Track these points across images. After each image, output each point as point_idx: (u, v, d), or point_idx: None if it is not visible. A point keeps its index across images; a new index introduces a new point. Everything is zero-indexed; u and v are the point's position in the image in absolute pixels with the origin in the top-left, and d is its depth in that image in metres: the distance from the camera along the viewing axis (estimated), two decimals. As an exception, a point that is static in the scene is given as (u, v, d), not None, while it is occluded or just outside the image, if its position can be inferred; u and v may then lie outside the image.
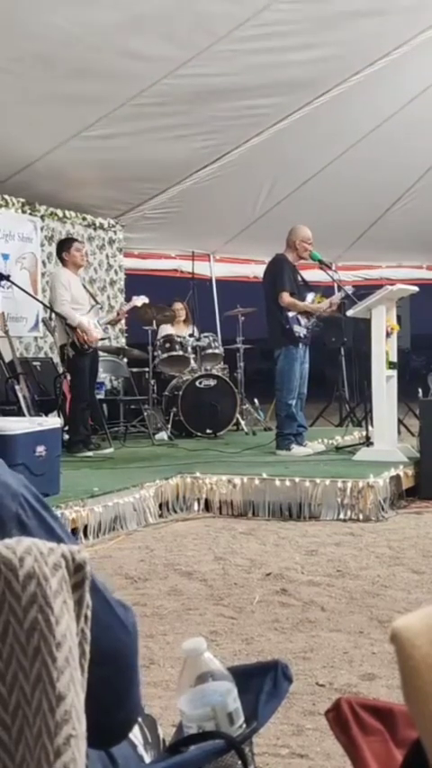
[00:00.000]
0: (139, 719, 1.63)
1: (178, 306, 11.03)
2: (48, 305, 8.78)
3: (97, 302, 9.00)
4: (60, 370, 8.84)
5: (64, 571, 1.14)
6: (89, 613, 1.19)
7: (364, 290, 8.88)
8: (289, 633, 3.84)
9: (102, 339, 9.09)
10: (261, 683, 1.59)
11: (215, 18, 7.70)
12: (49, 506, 1.36)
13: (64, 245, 8.85)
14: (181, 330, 10.80)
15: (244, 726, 1.46)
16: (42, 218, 10.35)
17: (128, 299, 11.62)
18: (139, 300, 9.34)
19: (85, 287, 8.92)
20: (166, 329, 10.68)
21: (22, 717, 1.12)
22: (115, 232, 11.60)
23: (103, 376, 10.07)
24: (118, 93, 8.48)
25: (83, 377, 8.46)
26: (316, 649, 3.62)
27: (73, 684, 1.14)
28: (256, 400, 11.25)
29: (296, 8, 7.79)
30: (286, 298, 8.06)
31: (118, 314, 9.40)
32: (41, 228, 10.32)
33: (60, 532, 1.33)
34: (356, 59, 9.13)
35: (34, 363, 9.40)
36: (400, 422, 8.82)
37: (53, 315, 8.64)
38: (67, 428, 8.24)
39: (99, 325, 8.60)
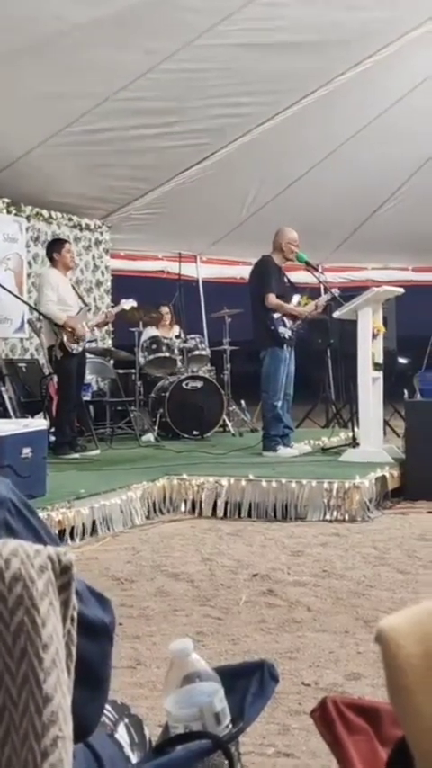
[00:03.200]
0: (126, 720, 1.63)
1: (165, 309, 11.03)
2: (33, 306, 8.73)
3: (86, 304, 8.99)
4: (47, 371, 8.82)
5: (50, 573, 1.14)
6: (75, 615, 1.20)
7: (350, 292, 8.90)
8: (275, 633, 3.85)
9: (90, 341, 9.08)
10: (247, 684, 1.60)
11: (198, 12, 7.68)
12: (34, 510, 1.36)
13: (55, 246, 8.81)
14: (166, 332, 10.80)
15: (231, 726, 1.47)
16: (28, 218, 10.33)
17: (115, 301, 11.62)
18: (128, 304, 9.33)
19: (74, 288, 8.90)
20: (151, 331, 10.67)
21: (8, 718, 1.12)
22: (102, 233, 11.59)
23: (89, 377, 10.05)
24: (101, 87, 8.44)
25: (70, 379, 8.44)
26: (302, 649, 3.63)
27: (60, 686, 1.14)
28: (242, 401, 11.25)
29: (282, 3, 7.79)
30: (272, 300, 8.07)
31: (106, 316, 9.38)
32: (27, 229, 10.30)
33: (45, 536, 1.33)
34: (341, 60, 9.15)
35: (20, 365, 9.38)
36: (385, 423, 8.83)
37: (40, 316, 8.60)
38: (53, 430, 8.22)
39: (86, 327, 8.59)
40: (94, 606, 1.36)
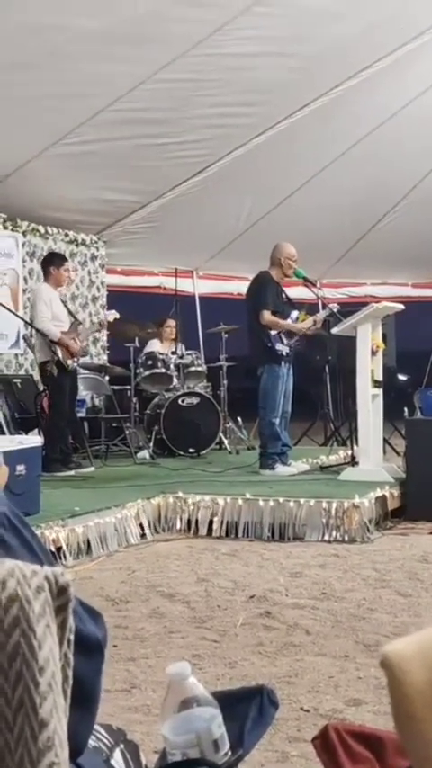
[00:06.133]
0: (121, 745, 1.61)
1: (171, 323, 11.01)
2: (29, 322, 8.68)
3: (77, 320, 8.97)
4: (41, 387, 8.80)
5: (47, 594, 1.14)
6: (72, 637, 1.19)
7: (349, 308, 8.91)
8: (273, 657, 3.83)
9: (82, 355, 9.09)
10: (246, 709, 1.59)
11: (192, 22, 7.72)
12: (28, 525, 1.36)
13: (54, 261, 8.78)
14: (169, 348, 10.79)
15: (229, 753, 1.46)
16: (24, 233, 10.35)
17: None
18: (111, 315, 9.34)
19: (64, 303, 8.90)
20: (154, 345, 10.70)
21: (3, 743, 1.11)
22: (97, 248, 11.61)
23: (84, 393, 10.04)
24: (96, 99, 8.47)
25: (63, 395, 8.44)
26: (300, 674, 3.60)
27: (56, 710, 1.13)
28: (239, 419, 11.24)
29: (275, 13, 7.83)
30: (267, 316, 8.08)
31: (101, 324, 9.31)
32: (23, 245, 10.31)
33: (39, 552, 1.33)
34: (337, 72, 9.20)
35: (15, 381, 9.37)
36: (385, 441, 8.83)
37: (34, 331, 8.60)
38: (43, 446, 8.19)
39: (79, 342, 8.61)
40: (87, 621, 1.35)
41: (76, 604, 1.24)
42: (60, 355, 8.28)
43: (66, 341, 8.35)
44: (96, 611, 1.40)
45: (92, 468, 8.56)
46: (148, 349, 10.58)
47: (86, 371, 10.05)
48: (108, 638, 1.42)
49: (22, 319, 9.07)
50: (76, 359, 8.60)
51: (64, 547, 5.70)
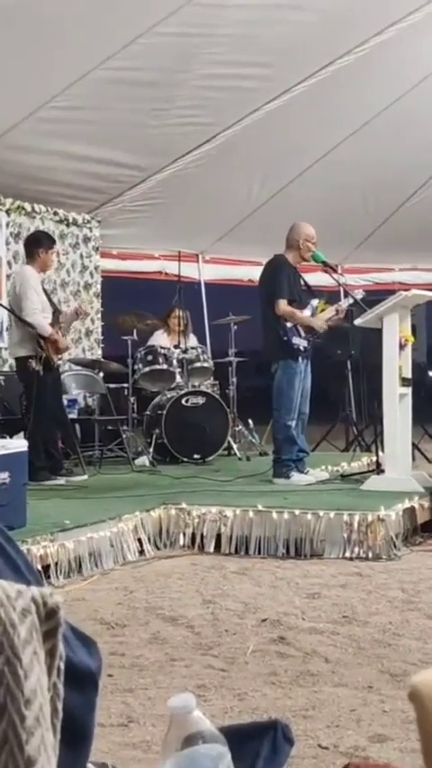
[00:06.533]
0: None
1: (180, 313, 10.97)
2: (18, 315, 8.38)
3: (58, 309, 8.88)
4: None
5: (34, 617, 1.14)
6: (62, 666, 1.19)
7: (374, 296, 8.90)
8: (287, 688, 3.83)
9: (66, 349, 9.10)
10: (258, 747, 1.59)
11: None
12: (13, 540, 1.36)
13: (43, 242, 8.70)
14: (175, 340, 10.78)
15: (239, 795, 1.46)
16: (8, 212, 10.36)
17: (105, 306, 11.66)
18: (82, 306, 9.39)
19: (45, 291, 8.84)
20: (160, 338, 10.69)
21: (-15, 784, 1.11)
22: (90, 229, 11.63)
23: (75, 393, 10.06)
24: (85, 56, 8.43)
25: (47, 394, 8.42)
26: (318, 707, 3.61)
27: (44, 747, 1.13)
28: (250, 421, 11.24)
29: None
30: (283, 306, 8.07)
31: (77, 312, 9.15)
32: (7, 224, 10.32)
33: (25, 570, 1.33)
34: (364, 26, 9.13)
35: (-4, 378, 9.37)
36: (414, 446, 8.82)
37: (13, 321, 8.51)
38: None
39: (63, 336, 8.63)
40: (79, 650, 1.35)
41: (66, 630, 1.24)
42: (50, 351, 8.28)
43: (55, 336, 8.36)
44: (89, 637, 1.40)
45: (84, 477, 8.58)
46: (151, 342, 10.57)
47: (78, 368, 10.07)
48: (103, 668, 1.42)
49: (11, 311, 8.69)
50: (61, 355, 8.60)
51: (52, 564, 5.71)
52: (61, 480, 8.28)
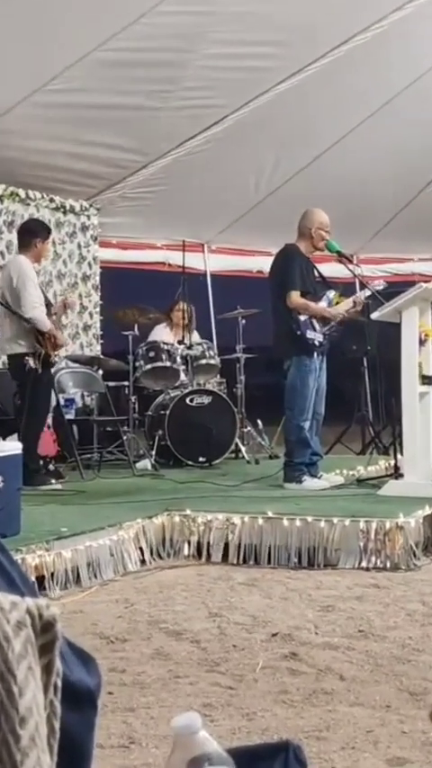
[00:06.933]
0: None
1: (183, 307, 10.98)
2: (16, 310, 8.36)
3: (51, 303, 8.89)
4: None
5: (29, 630, 1.14)
6: (59, 682, 1.19)
7: (392, 288, 8.89)
8: (300, 707, 3.83)
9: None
10: (268, 770, 1.59)
11: None
12: (6, 549, 1.36)
13: (40, 232, 8.72)
14: (180, 336, 10.79)
15: None
16: (1, 199, 10.37)
17: (104, 299, 11.67)
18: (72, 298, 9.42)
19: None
20: (161, 334, 10.69)
21: (-23, 810, 1.11)
22: (89, 217, 11.64)
23: (73, 391, 10.07)
24: (86, 36, 8.45)
25: (45, 394, 8.44)
26: (333, 727, 3.61)
27: (40, 770, 1.13)
28: (259, 422, 11.26)
29: None
30: (295, 298, 8.07)
31: (65, 305, 9.14)
32: (0, 212, 10.33)
33: (19, 582, 1.33)
34: (382, 0, 9.15)
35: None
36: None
37: (8, 316, 8.50)
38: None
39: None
40: (76, 667, 1.35)
41: (62, 645, 1.24)
42: (49, 348, 8.29)
43: (54, 331, 8.38)
44: (87, 653, 1.40)
45: (83, 481, 8.58)
46: (153, 337, 10.57)
47: (76, 365, 10.08)
48: (102, 686, 1.42)
49: (6, 307, 8.50)
50: (58, 352, 8.61)
51: (48, 575, 5.72)
52: (57, 485, 8.30)
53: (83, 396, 10.53)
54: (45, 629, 1.15)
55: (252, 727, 3.61)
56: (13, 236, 10.00)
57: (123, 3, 8.19)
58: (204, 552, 6.75)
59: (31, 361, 8.25)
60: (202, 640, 4.77)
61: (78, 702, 1.33)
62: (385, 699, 3.91)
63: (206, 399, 9.93)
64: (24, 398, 8.32)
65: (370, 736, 3.53)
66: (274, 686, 4.08)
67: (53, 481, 8.39)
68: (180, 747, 1.50)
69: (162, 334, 10.78)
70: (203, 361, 10.34)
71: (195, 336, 10.93)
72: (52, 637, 1.16)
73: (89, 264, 11.72)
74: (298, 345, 8.12)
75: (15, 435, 8.42)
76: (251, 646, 4.67)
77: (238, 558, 6.65)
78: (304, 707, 3.83)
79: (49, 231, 8.93)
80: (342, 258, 8.61)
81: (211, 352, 10.58)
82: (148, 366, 10.16)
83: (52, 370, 8.84)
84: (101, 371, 10.36)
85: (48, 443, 9.28)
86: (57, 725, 1.19)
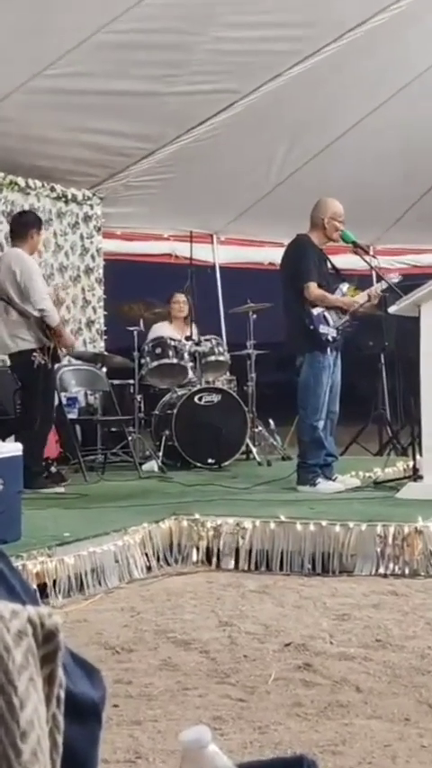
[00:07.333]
0: None
1: (180, 299, 11.01)
2: (14, 300, 8.38)
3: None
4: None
5: (31, 640, 1.14)
6: (62, 694, 1.19)
7: (410, 281, 8.88)
8: (314, 720, 3.83)
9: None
10: (281, 785, 1.59)
11: None
12: (6, 556, 1.36)
13: (36, 223, 8.76)
14: (181, 331, 10.79)
15: None
16: (-1, 187, 10.39)
17: (108, 293, 11.67)
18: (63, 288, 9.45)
19: None
20: (163, 329, 10.68)
21: None
22: (92, 206, 11.64)
23: (75, 390, 10.08)
24: (88, 17, 8.44)
25: (52, 392, 8.46)
26: (349, 741, 3.61)
27: (42, 786, 1.13)
28: (271, 421, 11.26)
29: None
30: (314, 290, 8.06)
31: (58, 298, 9.17)
32: (-2, 201, 10.36)
33: (20, 590, 1.33)
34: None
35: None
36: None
37: (9, 311, 8.50)
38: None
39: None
40: (79, 678, 1.35)
41: (65, 656, 1.24)
42: (56, 342, 8.32)
43: (62, 327, 8.41)
44: (91, 665, 1.40)
45: (86, 484, 8.59)
46: (154, 333, 10.57)
47: (78, 362, 10.08)
48: (107, 698, 1.42)
49: (8, 302, 8.48)
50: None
51: (50, 582, 5.72)
52: (59, 488, 8.30)
53: (86, 394, 10.54)
54: (47, 639, 1.15)
55: (264, 741, 3.61)
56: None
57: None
58: (214, 558, 6.75)
59: (39, 357, 8.26)
60: (212, 650, 4.77)
61: (82, 715, 1.33)
62: (404, 711, 3.90)
63: (215, 398, 9.94)
64: (30, 397, 8.31)
65: (388, 750, 3.53)
66: (288, 698, 4.08)
67: (58, 485, 8.39)
68: (189, 762, 1.50)
69: (163, 330, 10.75)
70: (212, 358, 10.34)
71: (194, 330, 10.94)
72: (54, 647, 1.16)
73: (92, 257, 11.72)
74: (311, 341, 8.11)
75: (13, 436, 8.41)
76: (263, 656, 4.67)
77: (249, 565, 6.64)
78: (319, 720, 3.83)
79: (42, 223, 8.94)
80: (358, 249, 8.59)
81: (221, 349, 10.57)
82: (155, 363, 10.17)
83: (55, 367, 8.85)
84: (105, 369, 10.36)
85: (49, 444, 9.29)
86: (60, 739, 1.19)
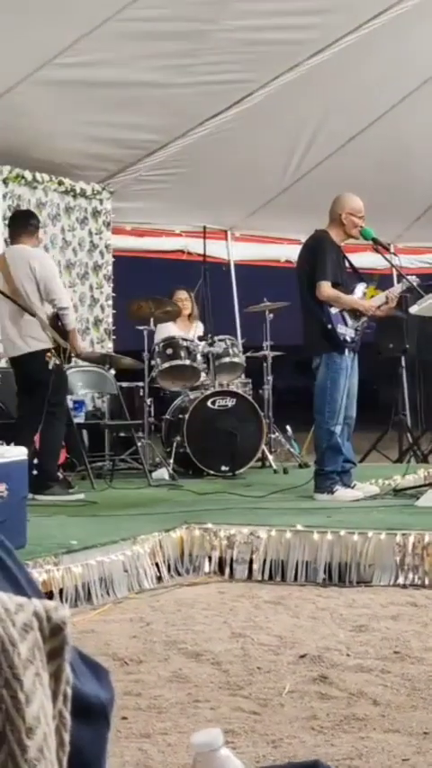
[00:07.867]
0: None
1: (182, 295, 10.98)
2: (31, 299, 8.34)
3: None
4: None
5: (37, 634, 1.15)
6: (69, 691, 1.20)
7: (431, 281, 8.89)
8: (330, 734, 3.84)
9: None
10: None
11: None
12: (13, 552, 1.38)
13: (36, 219, 8.83)
14: (186, 329, 10.78)
15: None
16: (5, 181, 10.40)
17: (117, 291, 11.67)
18: None
19: None
20: (168, 328, 10.66)
21: None
22: (101, 201, 11.65)
23: (82, 393, 10.07)
24: (97, 5, 8.47)
25: (65, 394, 8.51)
26: (366, 755, 3.62)
27: (49, 784, 1.15)
28: (288, 427, 11.24)
29: None
30: (326, 289, 8.06)
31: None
32: (4, 196, 10.36)
33: (26, 586, 1.34)
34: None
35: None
36: None
37: (17, 311, 8.50)
38: (36, 461, 8.19)
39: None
40: (87, 678, 1.36)
41: (73, 655, 1.25)
42: (70, 342, 8.38)
43: (76, 332, 8.55)
44: (99, 665, 1.41)
45: (81, 495, 8.60)
46: (161, 333, 10.54)
47: (85, 364, 10.06)
48: (115, 704, 1.43)
49: (21, 307, 8.27)
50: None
51: (57, 592, 5.73)
52: (69, 496, 8.30)
53: (93, 398, 10.52)
54: (54, 633, 1.16)
55: (278, 755, 3.63)
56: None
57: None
58: (227, 568, 6.75)
59: (54, 357, 8.26)
60: (224, 662, 4.78)
61: (90, 716, 1.34)
62: (423, 725, 3.91)
63: (229, 402, 9.91)
64: (41, 398, 8.29)
65: (406, 764, 3.54)
66: (303, 711, 4.09)
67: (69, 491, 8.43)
68: (200, 766, 1.52)
69: (168, 329, 10.68)
70: (227, 360, 10.27)
71: (199, 328, 10.92)
72: (61, 641, 1.17)
73: (101, 253, 11.72)
74: (328, 341, 8.08)
75: (15, 439, 8.41)
76: (277, 668, 4.68)
77: (264, 575, 6.65)
78: (335, 733, 3.85)
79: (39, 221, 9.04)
80: (378, 247, 8.59)
81: (236, 350, 10.48)
82: (166, 365, 10.13)
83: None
84: (113, 371, 10.32)
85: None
86: (66, 737, 1.20)
